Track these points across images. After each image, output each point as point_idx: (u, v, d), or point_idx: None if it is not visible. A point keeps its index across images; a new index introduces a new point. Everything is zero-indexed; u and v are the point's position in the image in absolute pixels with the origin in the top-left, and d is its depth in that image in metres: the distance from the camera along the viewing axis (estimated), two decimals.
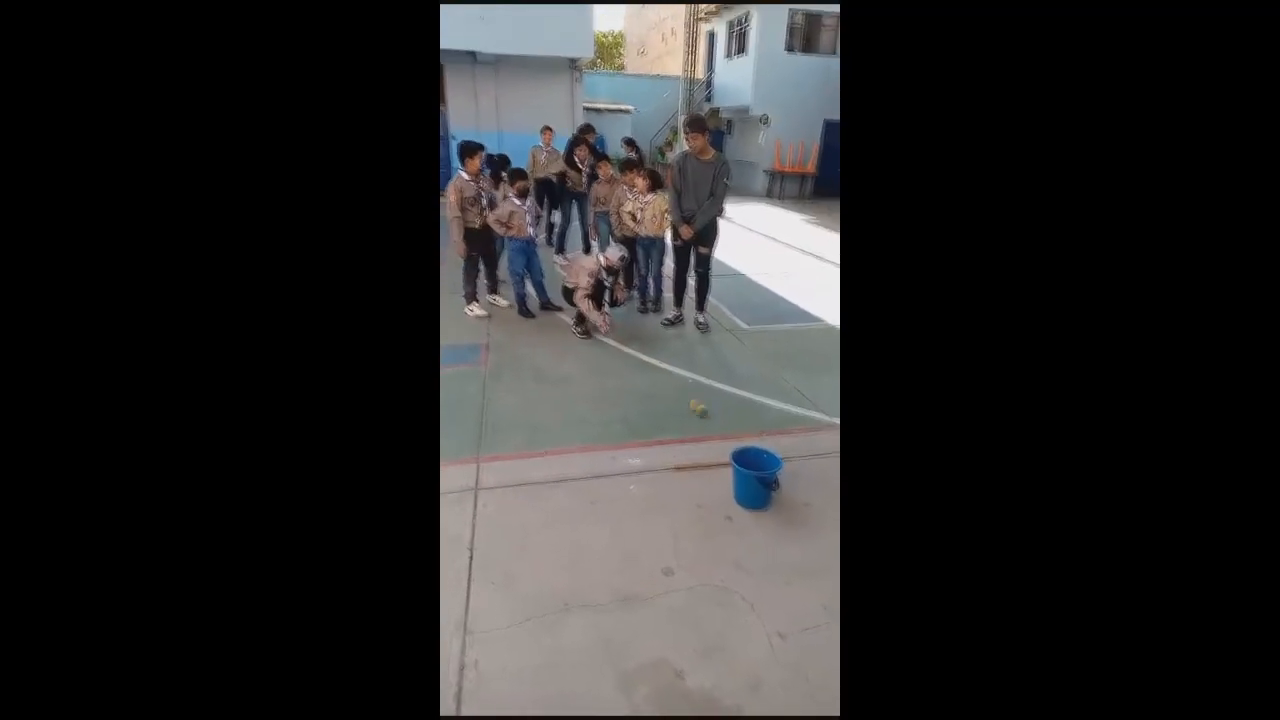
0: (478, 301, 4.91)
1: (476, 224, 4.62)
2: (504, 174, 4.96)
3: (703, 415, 3.03)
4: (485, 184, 4.70)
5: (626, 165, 4.91)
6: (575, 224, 6.69)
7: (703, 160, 4.25)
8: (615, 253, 4.38)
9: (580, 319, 4.44)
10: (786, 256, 7.70)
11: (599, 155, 5.78)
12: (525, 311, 4.86)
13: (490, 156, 5.19)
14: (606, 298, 4.48)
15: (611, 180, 5.20)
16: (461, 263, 4.80)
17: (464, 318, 4.74)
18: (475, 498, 2.49)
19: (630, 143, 6.75)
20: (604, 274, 4.36)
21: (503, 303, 5.06)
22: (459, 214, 4.56)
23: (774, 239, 8.85)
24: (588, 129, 6.51)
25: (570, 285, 4.39)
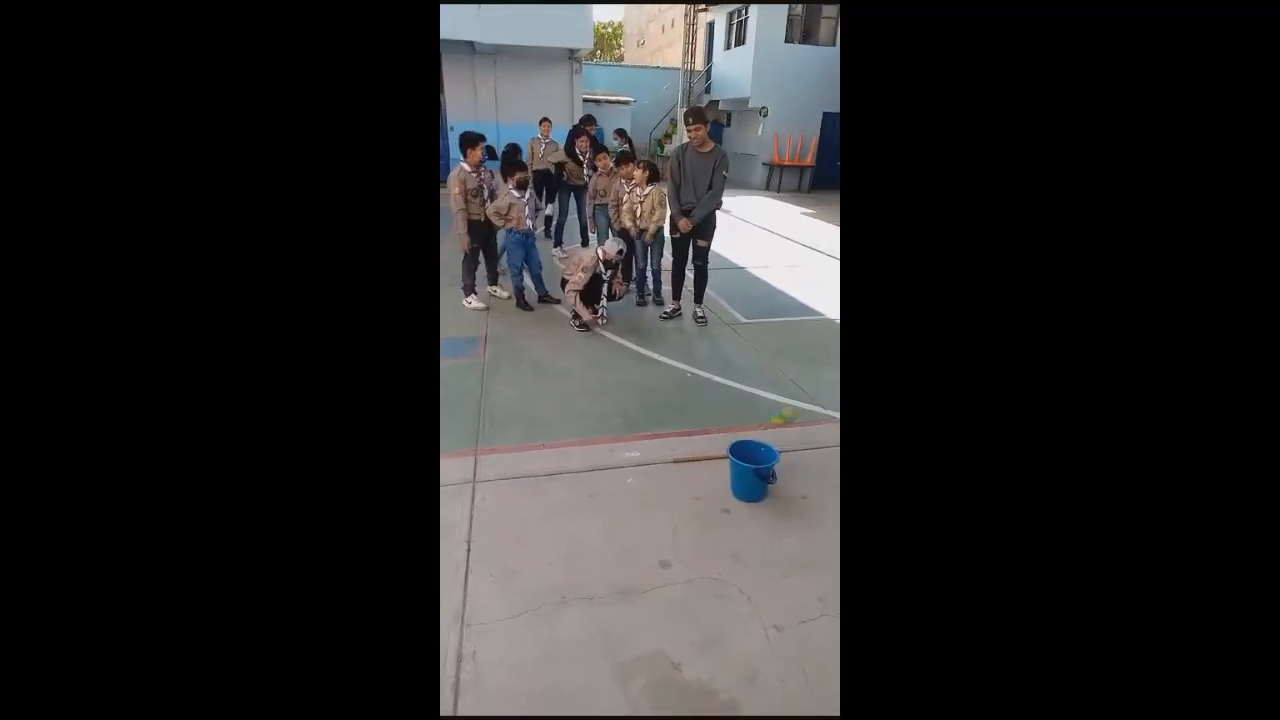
0: (476, 294, 4.90)
1: (480, 216, 4.60)
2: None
3: (791, 418, 3.07)
4: (486, 175, 4.68)
5: (623, 158, 4.88)
6: (573, 217, 6.66)
7: (702, 153, 4.23)
8: (613, 246, 4.37)
9: (581, 321, 4.44)
10: (785, 250, 7.69)
11: (599, 147, 5.75)
12: (523, 304, 4.86)
13: (490, 148, 5.14)
14: (605, 290, 4.47)
15: (610, 173, 5.18)
16: (460, 254, 4.78)
17: (462, 310, 4.74)
18: (473, 490, 2.49)
19: (621, 133, 6.74)
20: (601, 268, 4.34)
21: (503, 294, 5.05)
22: (463, 205, 4.54)
23: (772, 232, 8.83)
24: (589, 120, 6.48)
25: (567, 277, 4.38)
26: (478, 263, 4.90)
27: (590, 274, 4.28)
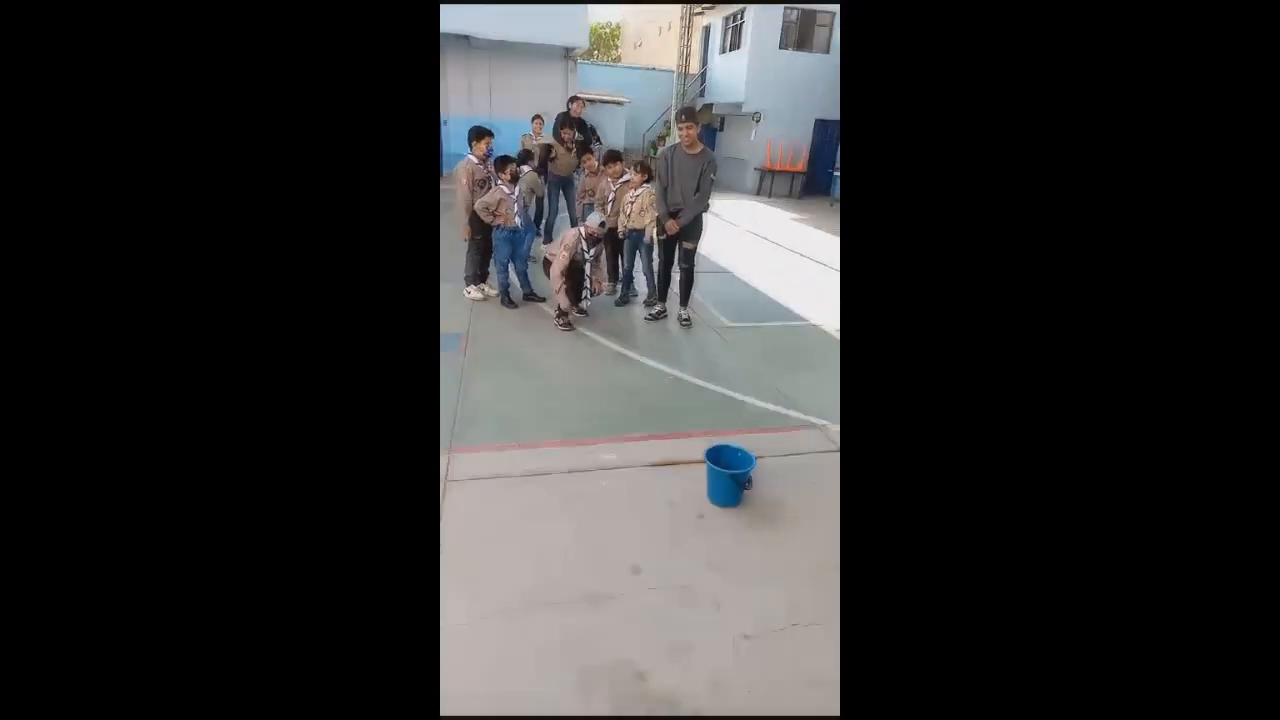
0: (475, 285, 4.93)
1: None
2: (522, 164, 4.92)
3: None
4: (494, 169, 4.69)
5: (611, 157, 4.86)
6: (564, 214, 6.64)
7: (690, 154, 4.20)
8: (595, 219, 4.32)
9: (562, 310, 4.39)
10: (774, 255, 7.69)
11: (584, 147, 5.72)
12: (508, 301, 4.82)
13: (506, 156, 5.10)
14: (587, 285, 4.42)
15: (597, 172, 5.15)
16: (460, 247, 4.83)
17: (444, 306, 4.67)
18: (443, 489, 2.44)
19: (593, 130, 6.78)
20: (584, 244, 4.28)
21: (491, 292, 5.01)
22: (470, 196, 4.56)
23: (762, 237, 8.83)
24: (573, 99, 6.50)
25: (550, 258, 4.33)
26: (481, 254, 4.90)
27: (572, 251, 4.23)
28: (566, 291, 4.28)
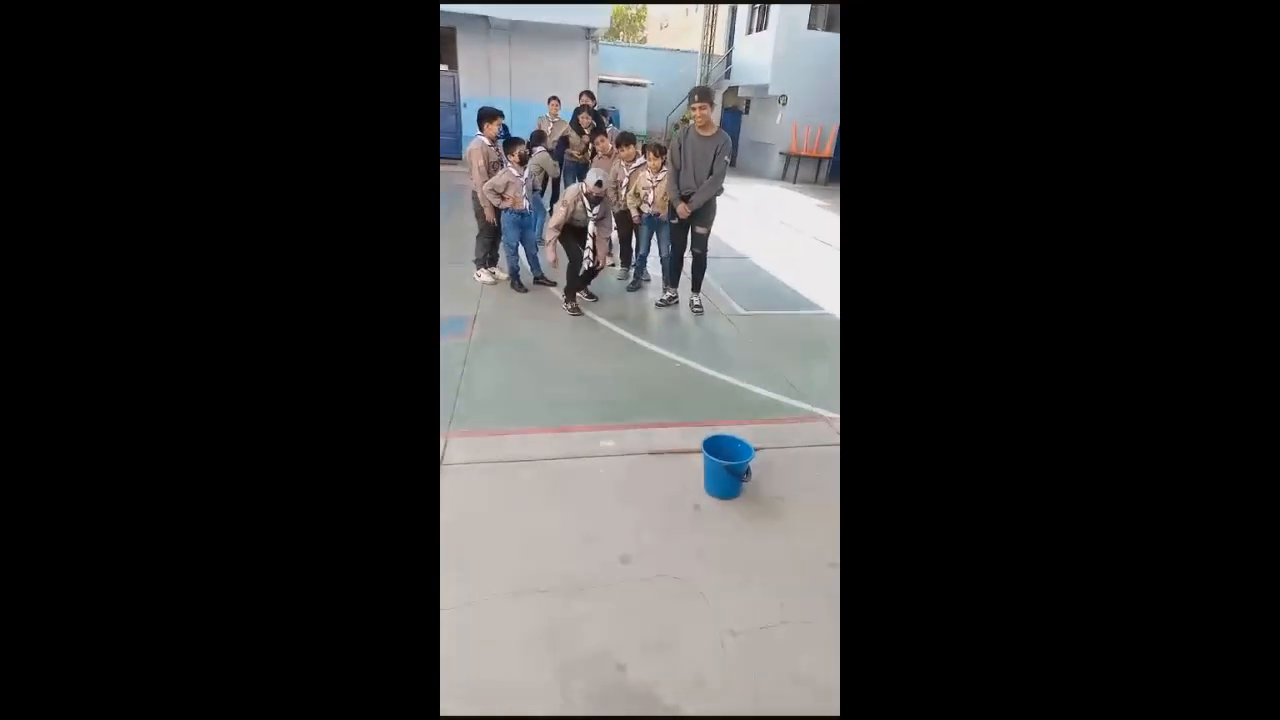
0: (485, 268, 4.92)
1: None
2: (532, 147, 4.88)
3: None
4: (500, 151, 4.67)
5: (623, 140, 4.77)
6: None
7: (704, 136, 4.09)
8: (594, 177, 4.20)
9: (570, 294, 4.35)
10: (794, 241, 7.53)
11: (598, 130, 5.64)
12: (518, 285, 4.79)
13: (505, 127, 5.05)
14: (589, 256, 4.31)
15: (610, 154, 5.07)
16: (472, 229, 4.82)
17: (454, 288, 4.66)
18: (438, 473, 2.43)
19: (605, 113, 6.74)
20: (584, 201, 4.18)
21: (502, 275, 4.99)
22: (486, 177, 4.52)
23: (783, 223, 8.66)
24: (582, 95, 6.52)
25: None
26: (490, 236, 4.88)
27: (570, 208, 4.15)
28: (557, 241, 4.20)
